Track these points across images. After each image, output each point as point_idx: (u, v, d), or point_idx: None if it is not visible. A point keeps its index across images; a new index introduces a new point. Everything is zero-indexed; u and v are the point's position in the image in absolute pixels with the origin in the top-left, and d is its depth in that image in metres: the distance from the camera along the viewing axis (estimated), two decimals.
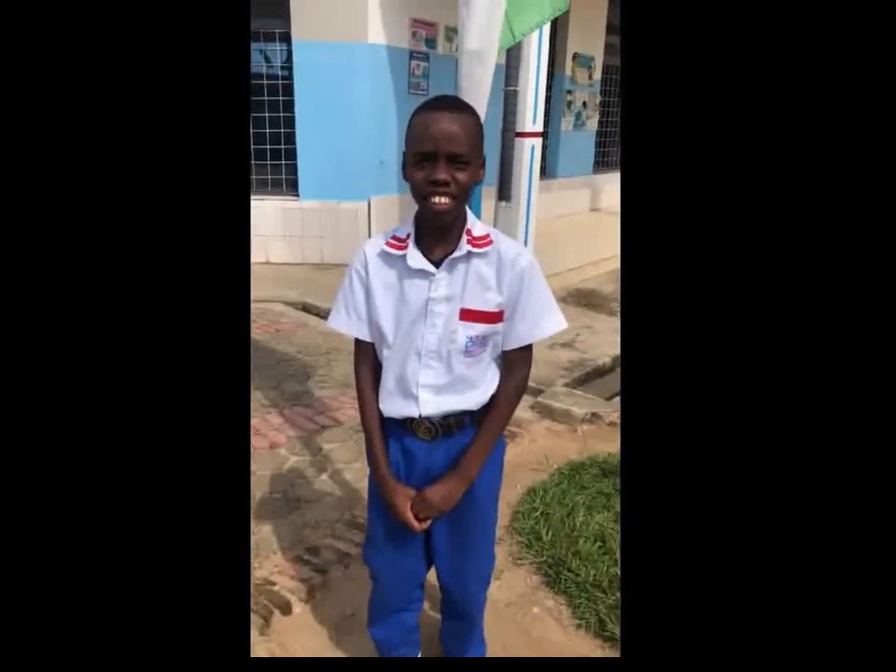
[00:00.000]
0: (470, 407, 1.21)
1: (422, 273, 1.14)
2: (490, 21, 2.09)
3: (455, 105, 1.09)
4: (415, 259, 1.14)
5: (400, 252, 1.15)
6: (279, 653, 1.65)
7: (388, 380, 1.21)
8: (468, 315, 1.15)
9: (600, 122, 8.97)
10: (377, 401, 1.24)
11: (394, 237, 1.17)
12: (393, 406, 1.22)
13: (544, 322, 1.17)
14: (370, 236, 5.47)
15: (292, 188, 5.57)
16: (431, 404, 1.19)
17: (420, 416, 1.20)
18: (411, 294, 1.15)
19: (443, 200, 1.06)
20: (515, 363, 1.21)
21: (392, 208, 5.63)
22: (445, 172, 1.04)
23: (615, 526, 2.10)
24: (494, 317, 1.16)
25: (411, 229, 1.16)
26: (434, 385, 1.18)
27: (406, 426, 1.22)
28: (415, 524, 1.23)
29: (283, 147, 5.48)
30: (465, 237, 1.13)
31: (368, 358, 1.25)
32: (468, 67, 2.12)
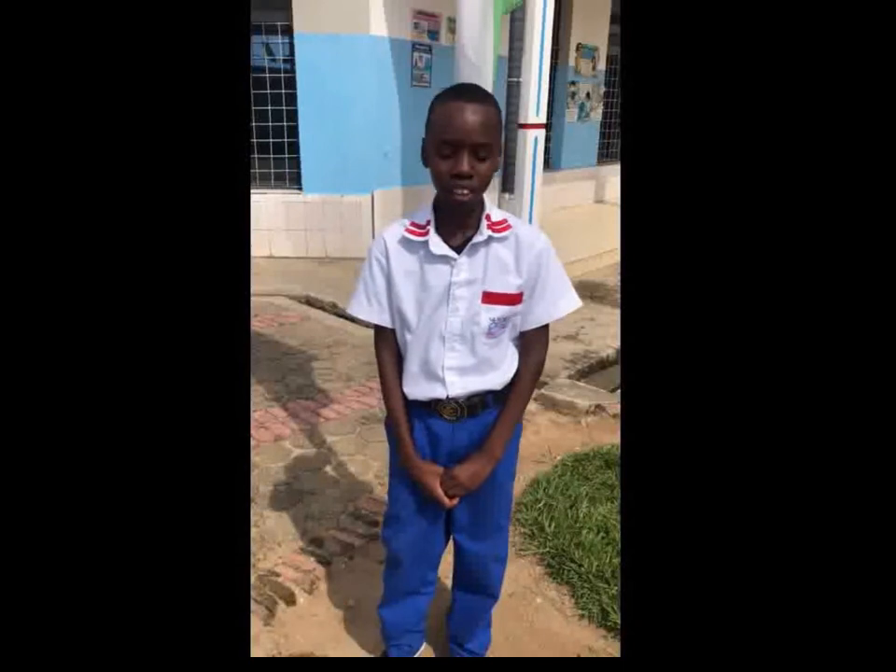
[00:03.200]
0: (493, 387, 1.25)
1: (444, 259, 1.17)
2: (482, 15, 2.09)
3: (478, 94, 1.09)
4: (438, 244, 1.16)
5: (422, 238, 1.17)
6: (283, 644, 1.66)
7: (412, 364, 1.25)
8: (489, 297, 1.18)
9: (604, 113, 8.92)
10: (401, 385, 1.27)
11: (413, 223, 1.19)
12: (419, 389, 1.25)
13: (560, 302, 1.22)
14: (373, 229, 5.48)
15: (295, 181, 5.56)
16: (458, 385, 1.23)
17: (447, 398, 1.23)
18: (433, 279, 1.18)
19: (465, 192, 1.09)
20: (533, 343, 1.26)
21: (395, 201, 5.62)
22: (468, 164, 1.06)
23: (618, 517, 2.10)
24: (514, 299, 1.19)
25: (430, 215, 1.18)
26: (460, 367, 1.22)
27: (431, 407, 1.26)
28: (446, 500, 1.28)
29: (286, 140, 5.47)
30: (484, 222, 1.16)
31: (389, 344, 1.28)
32: (461, 60, 2.14)
